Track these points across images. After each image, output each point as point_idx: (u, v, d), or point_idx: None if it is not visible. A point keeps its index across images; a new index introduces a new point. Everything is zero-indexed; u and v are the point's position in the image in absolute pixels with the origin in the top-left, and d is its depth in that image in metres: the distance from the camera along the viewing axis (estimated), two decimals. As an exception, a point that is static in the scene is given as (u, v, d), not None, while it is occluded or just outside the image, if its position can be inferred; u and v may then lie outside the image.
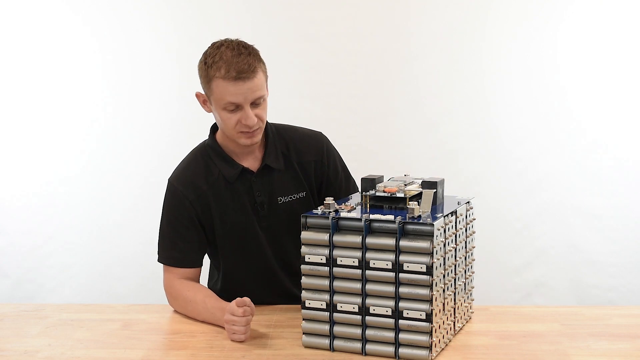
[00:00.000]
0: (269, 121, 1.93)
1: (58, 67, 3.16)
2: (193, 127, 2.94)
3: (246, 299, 1.67)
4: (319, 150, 1.95)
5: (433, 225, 1.48)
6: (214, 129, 1.93)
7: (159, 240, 1.92)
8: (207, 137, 1.93)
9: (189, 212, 1.86)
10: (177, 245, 1.88)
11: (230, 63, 1.72)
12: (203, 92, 1.82)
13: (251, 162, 1.89)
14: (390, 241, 1.52)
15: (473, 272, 1.79)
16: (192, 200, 1.86)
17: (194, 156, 1.91)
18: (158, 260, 1.91)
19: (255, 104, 1.77)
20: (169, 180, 1.90)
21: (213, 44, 1.80)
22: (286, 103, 3.14)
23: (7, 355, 1.63)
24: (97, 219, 3.19)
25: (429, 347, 1.53)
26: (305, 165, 1.92)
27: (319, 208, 1.62)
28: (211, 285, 2.04)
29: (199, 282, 1.91)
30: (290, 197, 1.90)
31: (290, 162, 1.91)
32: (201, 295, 1.82)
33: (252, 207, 1.88)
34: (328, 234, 1.56)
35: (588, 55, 3.08)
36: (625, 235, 3.12)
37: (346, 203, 1.69)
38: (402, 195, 1.62)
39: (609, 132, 3.10)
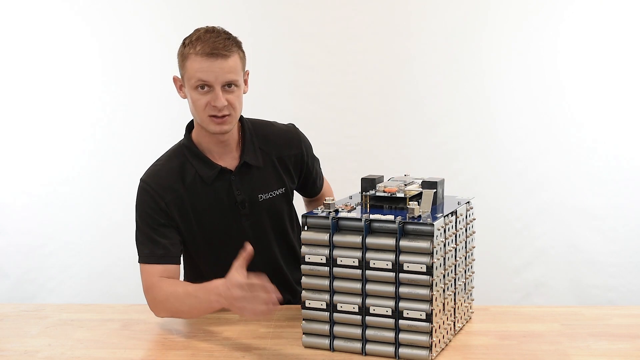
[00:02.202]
0: (246, 116, 1.91)
1: (58, 67, 3.16)
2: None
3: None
4: (297, 143, 1.93)
5: (433, 225, 1.48)
6: (190, 127, 1.88)
7: (137, 241, 1.82)
8: (183, 137, 1.88)
9: (164, 212, 1.81)
10: (157, 242, 1.80)
11: (206, 40, 1.72)
12: (177, 79, 1.82)
13: (229, 161, 1.85)
14: (390, 241, 1.52)
15: (473, 272, 1.79)
16: (168, 202, 1.80)
17: (169, 157, 1.86)
18: (139, 261, 1.81)
19: (227, 88, 1.74)
20: (142, 180, 1.83)
21: (196, 29, 1.80)
22: (286, 103, 3.15)
23: (7, 355, 1.63)
24: (97, 219, 3.19)
25: (429, 347, 1.53)
26: (285, 159, 1.90)
27: (319, 208, 1.62)
28: None
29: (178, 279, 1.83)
30: (271, 194, 1.88)
31: (269, 157, 1.89)
32: (182, 286, 1.74)
33: (232, 206, 1.85)
34: (328, 234, 1.56)
35: (588, 55, 3.08)
36: (625, 235, 3.12)
37: (346, 203, 1.69)
38: (402, 195, 1.62)
39: (609, 132, 3.11)
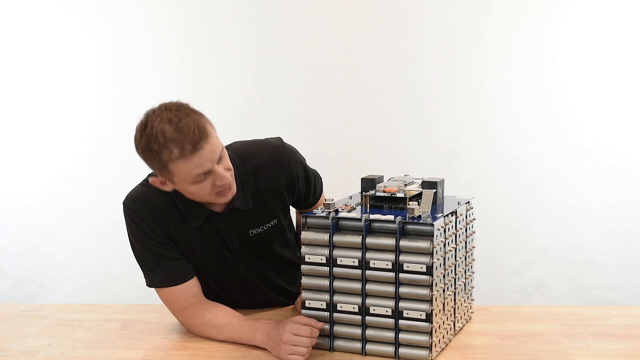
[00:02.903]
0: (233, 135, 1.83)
1: (58, 67, 3.16)
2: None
3: (311, 320, 1.58)
4: (288, 168, 1.79)
5: (433, 225, 1.48)
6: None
7: (142, 267, 1.75)
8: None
9: (160, 237, 1.72)
10: (166, 264, 1.72)
11: (178, 139, 1.53)
12: (157, 177, 1.64)
13: (217, 205, 1.72)
14: (390, 241, 1.52)
15: (473, 272, 1.79)
16: (160, 234, 1.71)
17: (159, 191, 1.69)
18: (149, 285, 1.74)
19: (220, 159, 1.61)
20: (129, 207, 1.71)
21: (141, 128, 1.58)
22: (286, 103, 3.15)
23: (7, 355, 1.63)
24: (97, 219, 3.19)
25: (429, 347, 1.53)
26: (277, 189, 1.78)
27: (319, 208, 1.62)
28: None
29: (202, 291, 1.77)
30: (263, 228, 1.79)
31: (261, 192, 1.76)
32: (223, 316, 1.70)
33: (222, 244, 1.76)
34: (328, 234, 1.56)
35: (588, 55, 3.08)
36: (625, 235, 3.12)
37: (346, 203, 1.69)
38: (402, 195, 1.62)
39: (608, 132, 3.10)
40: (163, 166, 1.57)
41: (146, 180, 1.75)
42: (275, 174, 1.78)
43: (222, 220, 1.73)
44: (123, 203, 1.74)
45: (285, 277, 1.91)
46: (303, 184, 1.85)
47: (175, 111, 1.57)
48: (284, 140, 1.84)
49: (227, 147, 1.75)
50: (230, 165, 1.65)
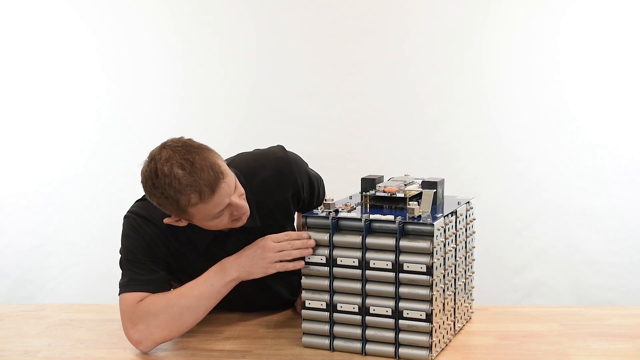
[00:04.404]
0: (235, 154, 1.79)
1: (58, 67, 3.16)
2: (194, 127, 2.96)
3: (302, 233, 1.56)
4: (293, 180, 1.76)
5: (433, 225, 1.48)
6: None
7: (124, 269, 1.69)
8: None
9: (161, 254, 1.68)
10: (153, 271, 1.66)
11: (195, 184, 1.49)
12: (172, 217, 1.59)
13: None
14: (390, 241, 1.52)
15: (473, 272, 1.79)
16: (165, 252, 1.69)
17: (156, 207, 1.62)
18: (126, 290, 1.64)
19: (234, 189, 1.58)
20: (136, 221, 1.68)
21: (150, 175, 1.52)
22: (286, 103, 3.15)
23: (7, 355, 1.63)
24: (97, 219, 3.19)
25: (429, 347, 1.53)
26: (283, 203, 1.75)
27: (319, 208, 1.62)
28: None
29: None
30: None
31: (267, 208, 1.73)
32: (178, 288, 1.63)
33: None
34: (328, 234, 1.56)
35: (588, 55, 3.08)
36: (625, 235, 3.12)
37: (346, 203, 1.69)
38: (402, 195, 1.62)
39: (608, 132, 3.10)
40: (182, 211, 1.53)
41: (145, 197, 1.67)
42: (280, 188, 1.75)
43: (230, 239, 1.70)
44: (127, 216, 1.70)
45: (290, 287, 1.89)
46: (307, 193, 1.83)
47: (183, 152, 1.51)
48: (285, 148, 1.80)
49: (230, 164, 1.69)
50: (243, 190, 1.61)
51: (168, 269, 1.70)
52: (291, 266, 1.60)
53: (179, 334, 1.63)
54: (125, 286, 1.66)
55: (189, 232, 1.67)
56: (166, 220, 1.61)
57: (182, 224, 1.61)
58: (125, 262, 1.69)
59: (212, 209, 1.53)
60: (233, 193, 1.56)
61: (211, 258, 1.68)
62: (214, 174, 1.51)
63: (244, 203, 1.59)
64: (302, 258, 1.59)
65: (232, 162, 1.75)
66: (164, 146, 1.55)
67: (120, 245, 1.72)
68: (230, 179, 1.56)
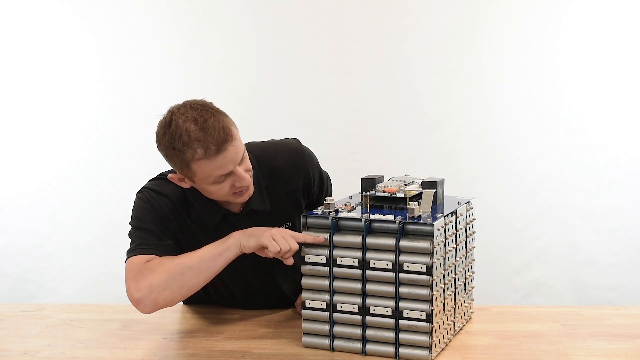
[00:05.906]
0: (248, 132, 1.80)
1: (58, 67, 3.16)
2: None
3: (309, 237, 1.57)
4: (305, 171, 1.81)
5: (433, 225, 1.48)
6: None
7: (133, 237, 1.67)
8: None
9: (172, 227, 1.69)
10: (162, 240, 1.67)
11: (203, 139, 1.53)
12: (177, 174, 1.64)
13: (234, 204, 1.73)
14: (390, 241, 1.52)
15: (473, 272, 1.79)
16: (175, 226, 1.70)
17: (176, 186, 1.70)
18: (134, 254, 1.62)
19: (241, 160, 1.61)
20: (150, 195, 1.70)
21: (165, 124, 1.57)
22: (286, 103, 3.15)
23: (7, 355, 1.63)
24: (97, 219, 3.19)
25: (429, 347, 1.53)
26: (293, 193, 1.79)
27: (319, 208, 1.62)
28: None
29: None
30: None
31: (277, 195, 1.77)
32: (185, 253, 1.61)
33: None
34: (328, 234, 1.56)
35: (588, 55, 3.08)
36: (625, 235, 3.12)
37: (346, 203, 1.69)
38: (402, 195, 1.62)
39: (608, 132, 3.10)
40: (185, 165, 1.57)
41: (161, 175, 1.76)
42: (292, 177, 1.79)
43: (239, 220, 1.73)
44: (140, 191, 1.72)
45: (294, 285, 1.88)
46: (317, 187, 1.86)
47: (201, 110, 1.57)
48: (301, 142, 1.85)
49: (249, 154, 1.72)
50: (250, 167, 1.66)
51: (176, 243, 1.71)
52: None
53: (180, 296, 1.59)
54: (133, 250, 1.65)
55: (200, 209, 1.71)
56: (170, 176, 1.65)
57: (185, 185, 1.65)
58: (134, 231, 1.70)
59: (214, 169, 1.56)
60: (239, 163, 1.60)
61: (218, 238, 1.66)
62: (224, 135, 1.55)
63: (247, 177, 1.62)
64: (302, 258, 1.59)
65: (247, 146, 1.77)
66: (185, 103, 1.60)
67: (130, 218, 1.72)
68: (239, 146, 1.60)
